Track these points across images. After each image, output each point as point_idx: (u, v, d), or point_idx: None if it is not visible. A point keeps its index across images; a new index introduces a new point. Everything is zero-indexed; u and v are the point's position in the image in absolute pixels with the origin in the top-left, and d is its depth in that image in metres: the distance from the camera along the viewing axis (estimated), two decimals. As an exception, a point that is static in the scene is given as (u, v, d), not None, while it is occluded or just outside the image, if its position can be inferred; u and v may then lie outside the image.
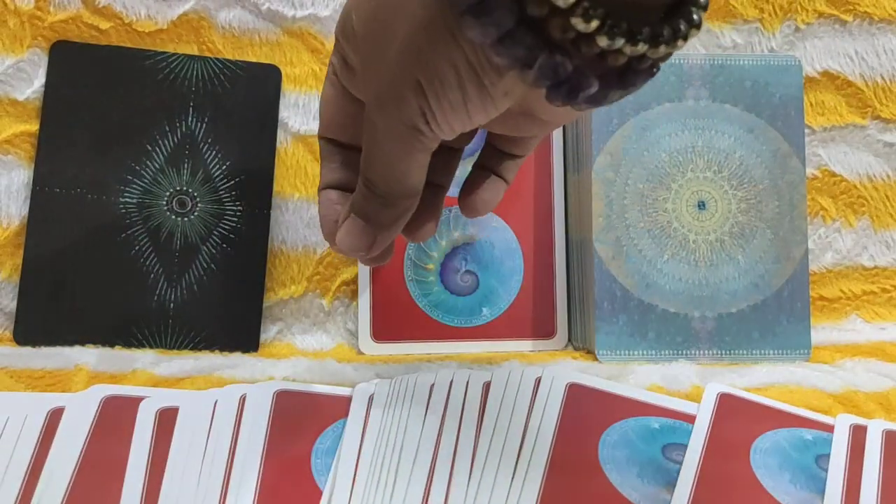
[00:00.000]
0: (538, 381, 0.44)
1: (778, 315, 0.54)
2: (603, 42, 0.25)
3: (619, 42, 0.25)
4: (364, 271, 0.54)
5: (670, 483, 0.41)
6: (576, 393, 0.44)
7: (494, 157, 0.40)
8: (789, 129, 0.55)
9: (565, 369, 0.46)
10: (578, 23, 0.25)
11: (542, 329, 0.55)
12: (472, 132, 0.39)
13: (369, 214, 0.36)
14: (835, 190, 0.60)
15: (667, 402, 0.46)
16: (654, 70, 0.28)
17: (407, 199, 0.35)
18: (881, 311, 0.61)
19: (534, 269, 0.55)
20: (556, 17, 0.25)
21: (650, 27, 0.26)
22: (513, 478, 0.39)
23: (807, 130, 0.58)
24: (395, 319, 0.54)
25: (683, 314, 0.53)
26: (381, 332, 0.53)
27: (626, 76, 0.27)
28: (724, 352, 0.53)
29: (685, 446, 0.42)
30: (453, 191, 0.52)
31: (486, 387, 0.43)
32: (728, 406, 0.45)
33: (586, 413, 0.44)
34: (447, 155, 0.40)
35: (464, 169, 0.40)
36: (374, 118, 0.32)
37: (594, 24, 0.25)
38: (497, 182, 0.40)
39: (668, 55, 0.27)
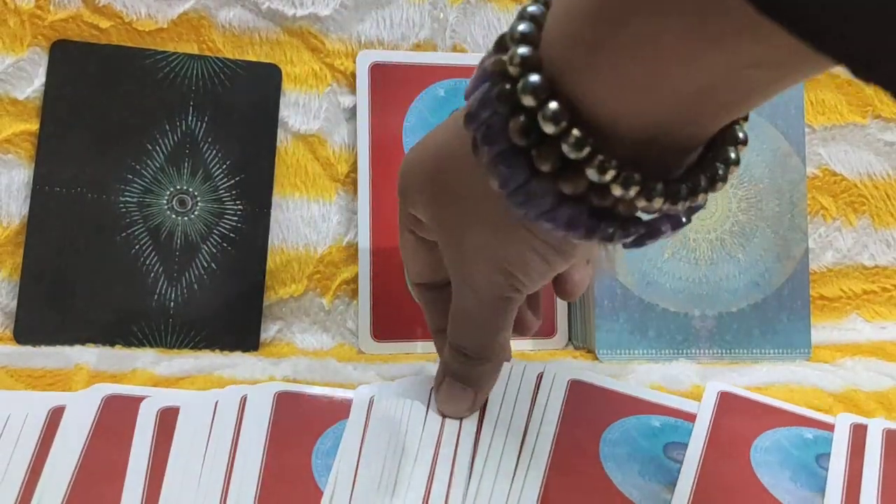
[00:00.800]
0: (540, 377, 0.44)
1: (778, 314, 0.54)
2: (648, 206, 0.28)
3: (632, 193, 0.27)
4: (364, 270, 0.54)
5: (671, 482, 0.40)
6: (577, 390, 0.44)
7: None
8: (790, 127, 0.55)
9: (567, 366, 0.46)
10: (621, 193, 0.27)
11: (541, 328, 0.55)
12: None
13: (464, 376, 0.39)
14: (835, 189, 0.60)
15: (668, 400, 0.46)
16: (684, 221, 0.30)
17: (500, 354, 0.39)
18: (881, 311, 0.61)
19: None
20: (597, 192, 0.28)
21: (664, 183, 0.27)
22: (514, 475, 0.39)
23: (807, 129, 0.58)
24: (396, 318, 0.54)
25: (684, 313, 0.53)
26: (382, 331, 0.53)
27: (663, 224, 0.30)
28: (724, 351, 0.53)
29: (685, 445, 0.42)
30: None
31: None
32: (728, 404, 0.45)
33: (588, 410, 0.44)
34: None
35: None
36: (465, 295, 0.36)
37: (633, 191, 0.27)
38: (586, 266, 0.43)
39: (695, 209, 0.30)
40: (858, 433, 0.44)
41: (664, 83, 0.25)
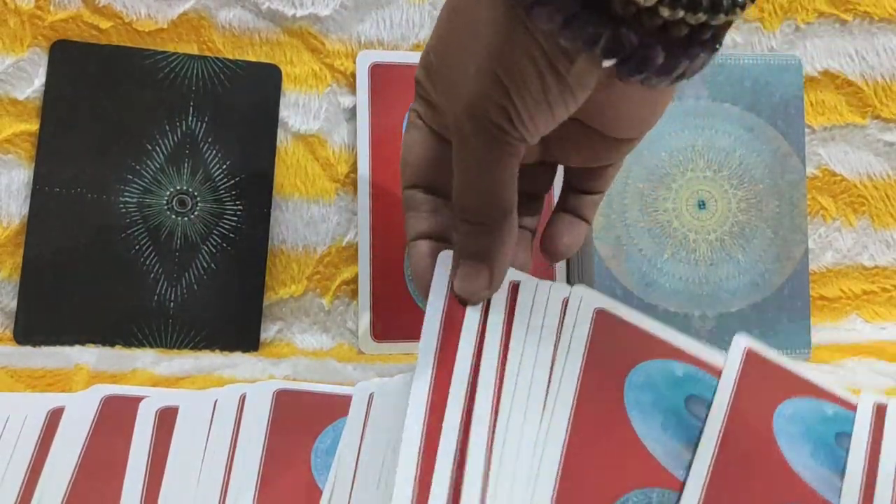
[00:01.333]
0: (565, 303, 0.41)
1: (778, 314, 0.54)
2: (665, 13, 0.26)
3: (680, 12, 0.26)
4: (364, 271, 0.54)
5: (691, 441, 0.39)
6: (603, 323, 0.41)
7: (573, 197, 0.40)
8: (789, 128, 0.55)
9: (592, 294, 0.43)
10: None
11: None
12: (552, 175, 0.40)
13: (477, 251, 0.35)
14: (835, 189, 0.60)
15: (690, 346, 0.43)
16: (717, 45, 0.28)
17: (505, 220, 0.35)
18: (881, 311, 0.61)
19: (533, 270, 0.55)
20: None
21: None
22: (539, 426, 0.37)
23: (807, 130, 0.58)
24: (396, 319, 0.54)
25: (684, 313, 0.53)
26: (382, 331, 0.53)
27: (691, 46, 0.28)
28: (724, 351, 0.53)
29: (705, 400, 0.41)
30: None
31: (511, 308, 0.40)
32: (754, 364, 0.43)
33: (613, 347, 0.41)
34: (531, 201, 0.40)
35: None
36: (462, 127, 0.32)
37: None
38: (578, 223, 0.40)
39: (729, 24, 0.28)
40: (880, 414, 0.43)
41: None
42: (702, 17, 0.26)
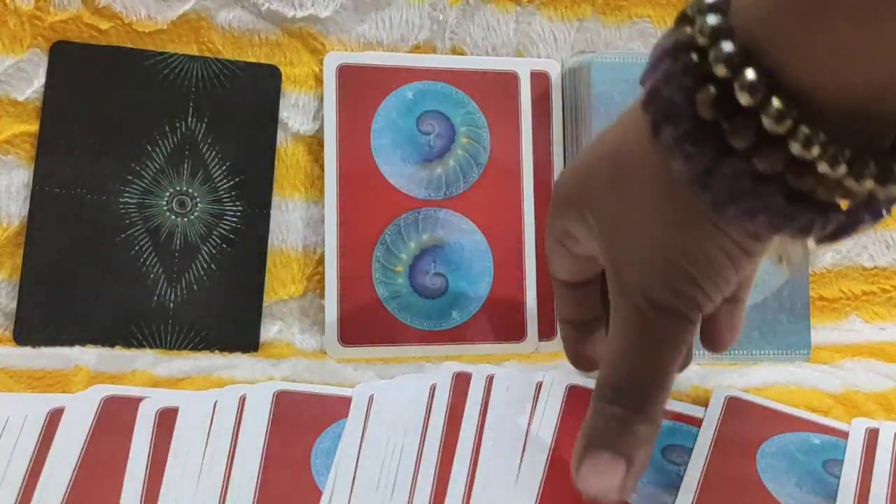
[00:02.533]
0: (539, 386, 0.44)
1: (778, 315, 0.54)
2: (881, 193, 0.25)
3: (841, 171, 0.24)
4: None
5: (670, 484, 0.40)
6: (578, 394, 0.44)
7: None
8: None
9: (566, 373, 0.46)
10: (828, 171, 0.24)
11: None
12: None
13: (614, 441, 0.31)
14: (835, 190, 0.60)
15: (670, 404, 0.46)
16: (884, 212, 0.27)
17: (662, 405, 0.32)
18: (881, 311, 0.61)
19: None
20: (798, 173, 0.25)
21: (875, 160, 0.25)
22: (518, 475, 0.39)
23: (807, 130, 0.58)
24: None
25: (683, 314, 0.53)
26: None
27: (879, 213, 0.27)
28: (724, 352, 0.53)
29: (686, 448, 0.42)
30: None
31: (490, 381, 0.43)
32: (735, 410, 0.45)
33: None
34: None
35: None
36: (641, 310, 0.31)
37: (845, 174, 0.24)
38: (738, 306, 0.40)
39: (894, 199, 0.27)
40: (872, 438, 0.44)
41: (885, 42, 0.22)
42: (868, 184, 0.25)
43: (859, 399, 0.48)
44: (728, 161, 0.25)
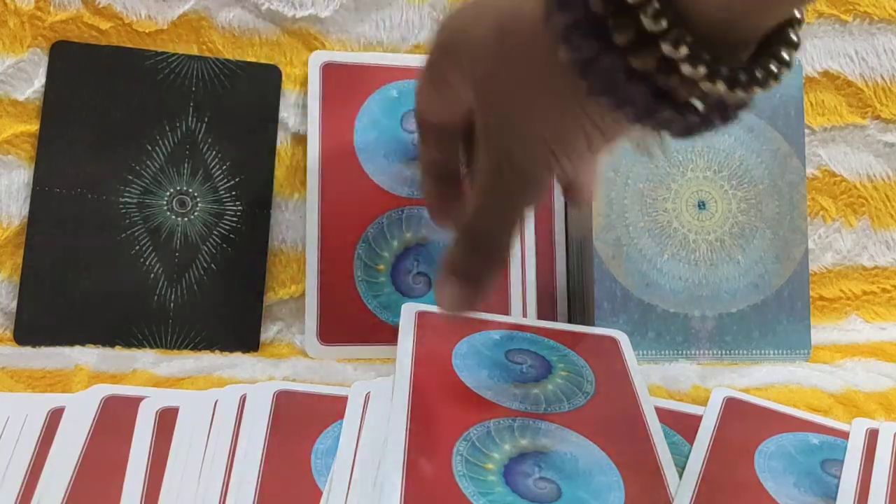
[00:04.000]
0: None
1: (778, 315, 0.54)
2: (729, 96, 0.28)
3: (739, 92, 0.28)
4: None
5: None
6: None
7: None
8: (789, 128, 0.55)
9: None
10: (690, 71, 0.27)
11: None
12: None
13: (470, 273, 0.37)
14: (835, 190, 0.60)
15: (670, 404, 0.46)
16: (733, 116, 0.31)
17: (508, 249, 0.37)
18: (881, 311, 0.61)
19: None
20: (665, 73, 0.28)
21: (728, 69, 0.28)
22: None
23: (807, 130, 0.58)
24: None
25: (683, 314, 0.53)
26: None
27: (732, 116, 0.30)
28: (724, 352, 0.53)
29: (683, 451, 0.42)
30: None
31: None
32: (734, 410, 0.45)
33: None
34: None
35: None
36: (493, 171, 0.35)
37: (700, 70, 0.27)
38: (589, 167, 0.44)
39: (743, 106, 0.30)
40: (872, 439, 0.44)
41: None
42: (719, 87, 0.28)
43: (859, 399, 0.49)
44: (608, 55, 0.28)
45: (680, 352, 0.53)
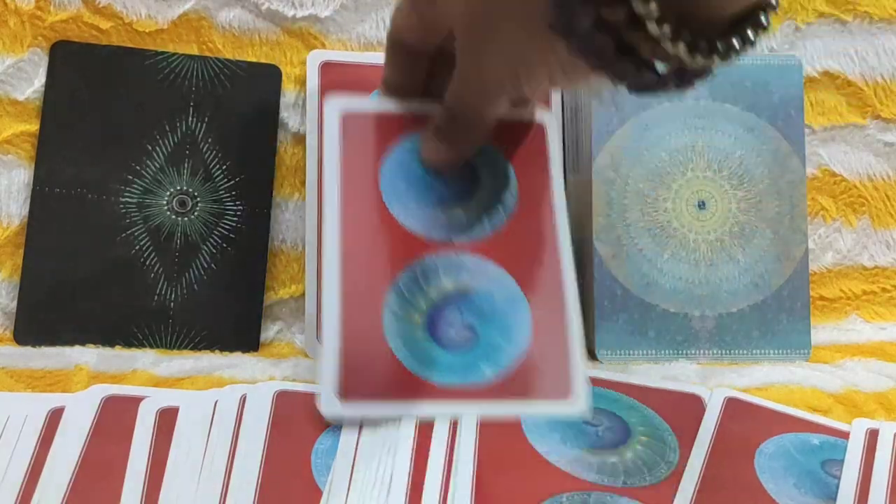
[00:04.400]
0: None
1: (778, 314, 0.54)
2: (689, 62, 0.30)
3: (698, 59, 0.30)
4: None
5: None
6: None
7: None
8: (790, 128, 0.55)
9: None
10: (654, 30, 0.29)
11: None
12: None
13: (456, 139, 0.44)
14: (835, 190, 0.60)
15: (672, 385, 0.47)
16: (690, 82, 0.32)
17: (488, 128, 0.42)
18: (881, 311, 0.61)
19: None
20: (635, 32, 0.30)
21: (691, 35, 0.30)
22: None
23: (807, 130, 0.58)
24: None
25: (683, 313, 0.53)
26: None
27: (691, 80, 0.32)
28: (724, 351, 0.53)
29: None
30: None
31: None
32: (734, 410, 0.45)
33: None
34: None
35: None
36: (468, 83, 0.40)
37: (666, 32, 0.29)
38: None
39: (702, 74, 0.32)
40: (872, 439, 0.44)
41: None
42: (698, 60, 0.30)
43: (859, 399, 0.49)
44: (585, 7, 0.30)
45: (680, 351, 0.53)
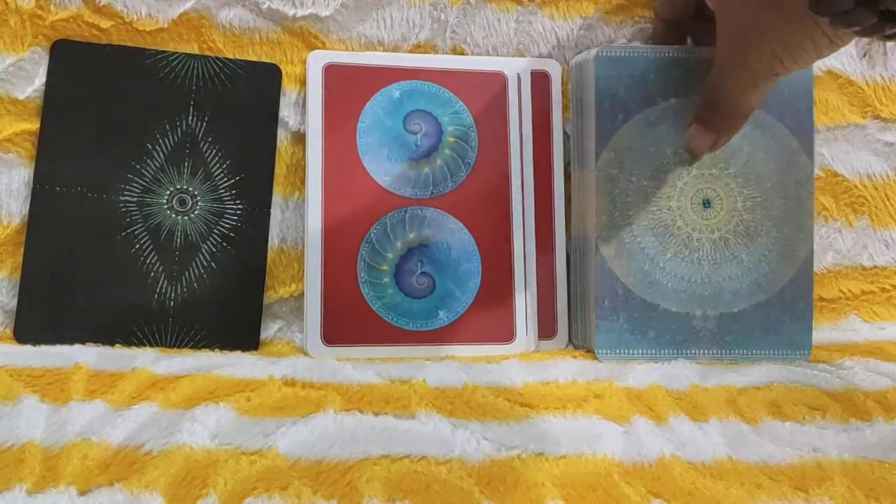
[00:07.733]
0: None
1: (780, 315, 0.54)
2: None
3: None
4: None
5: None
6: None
7: None
8: (798, 124, 0.54)
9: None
10: None
11: (542, 329, 0.55)
12: None
13: (714, 126, 0.50)
14: (836, 189, 0.60)
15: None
16: None
17: (748, 116, 0.49)
18: (880, 311, 0.61)
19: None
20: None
21: None
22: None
23: (811, 129, 0.58)
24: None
25: (685, 313, 0.53)
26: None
27: None
28: (724, 351, 0.53)
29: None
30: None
31: None
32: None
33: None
34: None
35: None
36: (726, 71, 0.46)
37: None
38: None
39: None
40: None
41: None
42: None
43: (859, 398, 0.49)
44: None
45: (680, 351, 0.53)
